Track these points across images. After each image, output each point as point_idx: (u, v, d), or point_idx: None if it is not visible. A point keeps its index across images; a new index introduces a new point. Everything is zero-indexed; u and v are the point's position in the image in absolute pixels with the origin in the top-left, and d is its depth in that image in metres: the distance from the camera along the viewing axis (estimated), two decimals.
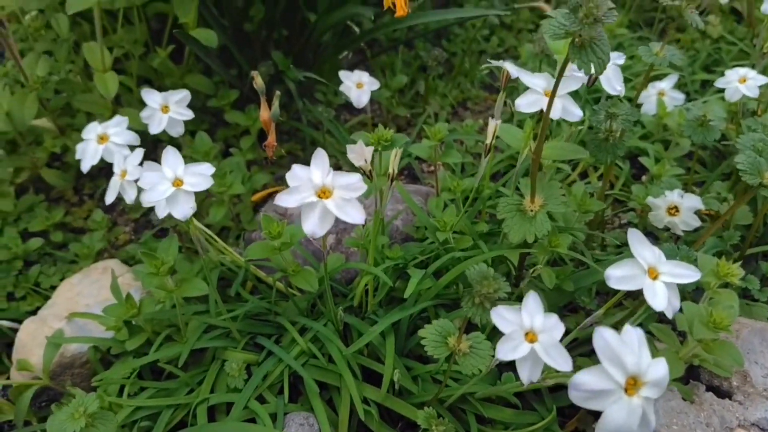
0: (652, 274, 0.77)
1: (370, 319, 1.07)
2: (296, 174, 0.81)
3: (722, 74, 1.25)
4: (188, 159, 0.91)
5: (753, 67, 1.26)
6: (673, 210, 1.15)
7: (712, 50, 1.75)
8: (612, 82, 0.95)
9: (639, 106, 1.34)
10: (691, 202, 1.14)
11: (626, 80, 1.48)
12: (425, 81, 1.71)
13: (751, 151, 0.98)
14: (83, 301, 1.22)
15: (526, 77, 0.91)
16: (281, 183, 1.51)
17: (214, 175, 0.91)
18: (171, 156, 0.90)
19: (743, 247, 1.16)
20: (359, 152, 0.91)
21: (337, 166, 1.55)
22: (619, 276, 0.75)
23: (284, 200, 0.78)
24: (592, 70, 0.75)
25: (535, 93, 0.90)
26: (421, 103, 1.72)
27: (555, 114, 0.88)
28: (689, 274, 0.78)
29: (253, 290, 1.23)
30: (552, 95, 0.83)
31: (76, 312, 1.17)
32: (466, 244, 1.07)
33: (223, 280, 1.21)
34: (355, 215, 0.77)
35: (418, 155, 1.27)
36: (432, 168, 1.53)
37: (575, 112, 0.90)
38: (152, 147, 1.49)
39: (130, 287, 1.23)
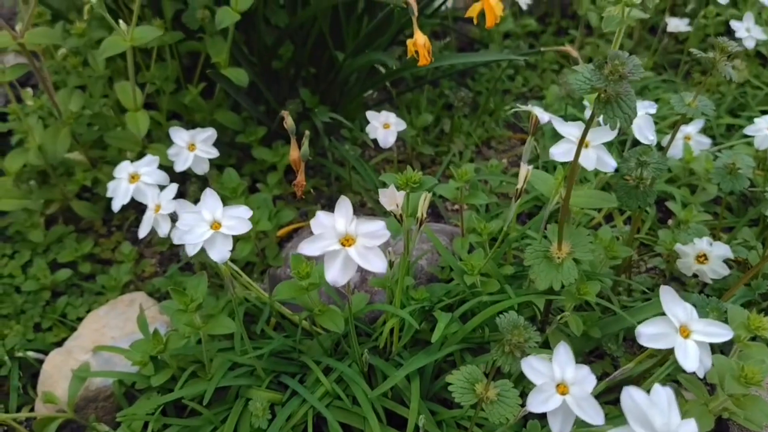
0: (683, 332, 0.76)
1: (394, 361, 1.06)
2: (320, 221, 0.81)
3: (750, 119, 1.25)
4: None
5: None
6: (702, 258, 1.14)
7: (737, 94, 1.75)
8: (644, 131, 0.95)
9: (659, 145, 1.34)
10: (721, 250, 1.13)
11: None
12: (451, 120, 1.72)
13: None
14: (109, 334, 1.23)
15: (561, 126, 0.91)
16: (306, 219, 1.52)
17: None
18: (210, 198, 0.89)
19: None
20: (391, 197, 0.91)
21: (362, 203, 1.56)
22: (650, 334, 0.75)
23: (307, 248, 0.78)
24: (618, 126, 0.76)
25: (569, 142, 0.90)
26: (445, 141, 1.73)
27: (589, 165, 0.87)
28: (721, 333, 0.77)
29: (275, 326, 1.23)
30: (579, 145, 0.83)
31: (102, 345, 1.18)
32: (493, 289, 1.06)
33: (246, 316, 1.22)
34: (378, 264, 0.77)
35: (442, 194, 1.27)
36: (456, 206, 1.54)
37: (610, 163, 0.89)
38: (180, 180, 1.50)
39: (155, 321, 1.24)
